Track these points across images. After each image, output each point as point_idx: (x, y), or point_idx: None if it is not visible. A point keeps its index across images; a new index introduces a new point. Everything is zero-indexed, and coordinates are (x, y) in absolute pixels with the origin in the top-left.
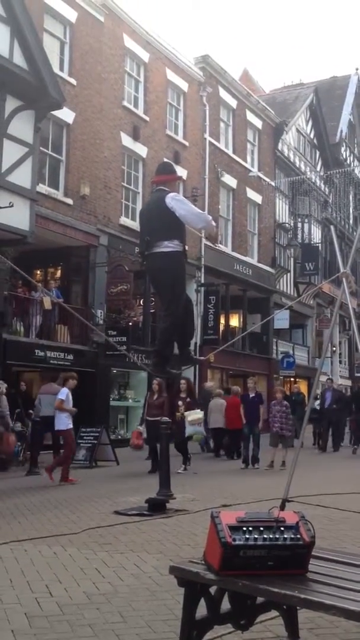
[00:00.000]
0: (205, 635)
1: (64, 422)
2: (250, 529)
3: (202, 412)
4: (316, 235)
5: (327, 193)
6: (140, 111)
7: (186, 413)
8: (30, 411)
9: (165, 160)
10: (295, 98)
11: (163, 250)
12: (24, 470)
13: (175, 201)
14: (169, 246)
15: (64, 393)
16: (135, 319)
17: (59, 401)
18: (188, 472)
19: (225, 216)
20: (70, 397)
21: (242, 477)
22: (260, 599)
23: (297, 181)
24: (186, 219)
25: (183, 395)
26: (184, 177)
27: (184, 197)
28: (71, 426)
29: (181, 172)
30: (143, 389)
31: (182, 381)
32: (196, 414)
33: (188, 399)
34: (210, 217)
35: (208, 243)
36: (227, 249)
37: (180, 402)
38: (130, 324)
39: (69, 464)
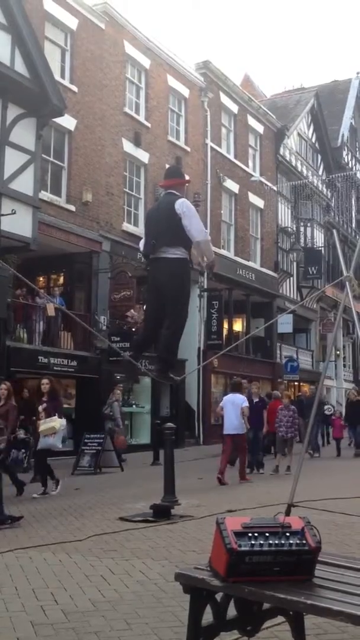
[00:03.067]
0: None
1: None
2: (256, 534)
3: (61, 421)
4: (319, 239)
5: (329, 197)
6: (141, 117)
7: (40, 422)
8: (34, 418)
9: (174, 164)
10: (296, 102)
11: (170, 257)
12: (28, 477)
13: (185, 208)
14: (176, 253)
15: None
16: (135, 322)
17: None
18: (49, 495)
19: (228, 221)
20: None
21: (247, 483)
22: (266, 605)
23: (299, 185)
24: (188, 228)
25: (45, 398)
26: None
27: (192, 206)
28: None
29: None
30: (147, 394)
31: (44, 381)
32: (49, 423)
33: (46, 404)
34: (209, 238)
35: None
36: (230, 253)
37: (40, 408)
38: (134, 329)
39: None
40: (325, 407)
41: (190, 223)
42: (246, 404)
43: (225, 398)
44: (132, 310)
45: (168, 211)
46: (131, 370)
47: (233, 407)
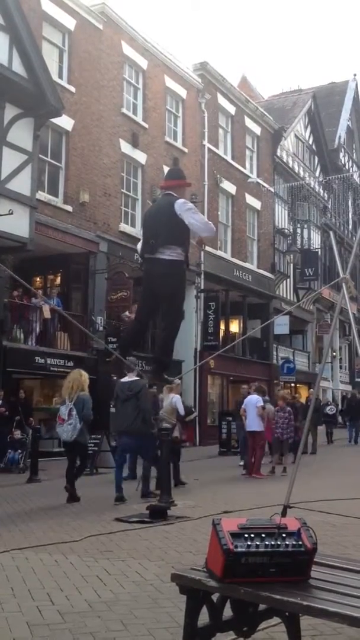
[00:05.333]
0: None
1: None
2: (252, 535)
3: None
4: (315, 240)
5: (326, 198)
6: (139, 118)
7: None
8: (31, 419)
9: (175, 166)
10: (293, 104)
11: (166, 258)
12: (25, 477)
13: (185, 209)
14: (172, 255)
15: None
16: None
17: None
18: None
19: (225, 222)
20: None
21: (243, 484)
22: (262, 606)
23: (296, 187)
24: (194, 227)
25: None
26: None
27: (192, 204)
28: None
29: None
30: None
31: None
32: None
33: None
34: (213, 227)
35: (208, 249)
36: (227, 255)
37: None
38: (127, 330)
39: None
40: (328, 407)
41: (193, 222)
42: (261, 403)
43: (245, 400)
44: (127, 312)
45: (167, 211)
46: (119, 367)
47: (251, 407)
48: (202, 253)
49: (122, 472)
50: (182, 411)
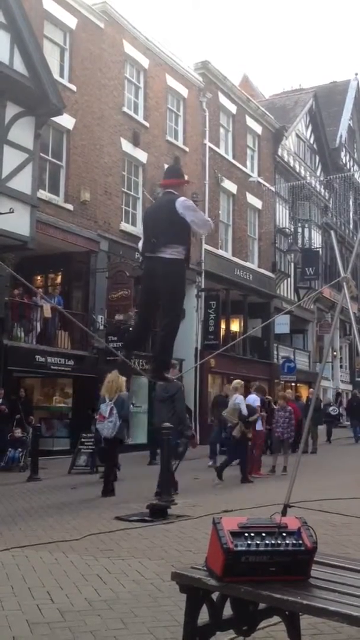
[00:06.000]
0: None
1: None
2: (252, 534)
3: None
4: (316, 240)
5: (327, 198)
6: (140, 117)
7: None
8: (31, 417)
9: (174, 163)
10: (294, 103)
11: (167, 257)
12: (25, 476)
13: (186, 207)
14: (173, 253)
15: None
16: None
17: None
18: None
19: (226, 221)
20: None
21: (243, 483)
22: (262, 605)
23: (297, 186)
24: (195, 225)
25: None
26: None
27: (193, 203)
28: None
29: None
30: (144, 394)
31: None
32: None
33: None
34: (212, 223)
35: (209, 248)
36: (228, 254)
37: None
38: (131, 329)
39: None
40: (330, 407)
41: (195, 220)
42: (257, 403)
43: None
44: (129, 313)
45: (168, 210)
46: (125, 369)
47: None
48: (203, 252)
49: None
50: (244, 411)
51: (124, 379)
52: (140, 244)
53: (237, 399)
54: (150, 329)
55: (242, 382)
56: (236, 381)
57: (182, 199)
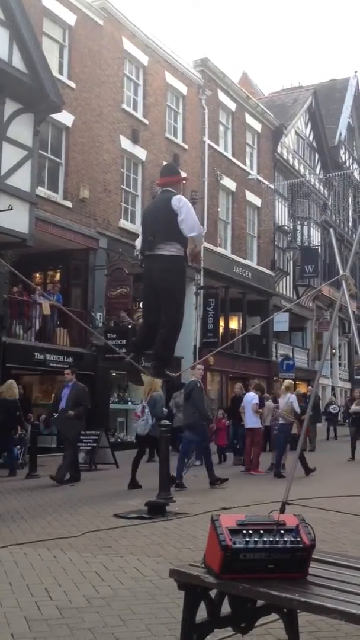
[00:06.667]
0: (206, 639)
1: None
2: (250, 532)
3: None
4: (315, 237)
5: (326, 196)
6: (139, 114)
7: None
8: (30, 415)
9: (169, 162)
10: (294, 101)
11: (165, 254)
12: (24, 473)
13: (181, 204)
14: (171, 250)
15: None
16: (131, 322)
17: None
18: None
19: (225, 219)
20: None
21: (242, 480)
22: (260, 602)
23: (297, 184)
24: (183, 223)
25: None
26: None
27: (189, 202)
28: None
29: None
30: (143, 392)
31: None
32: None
33: None
34: (203, 232)
35: (208, 246)
36: (227, 251)
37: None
38: (130, 326)
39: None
40: (332, 406)
41: (184, 219)
42: (255, 400)
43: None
44: (121, 315)
45: (165, 208)
46: (133, 372)
47: (248, 405)
48: (202, 250)
49: (185, 461)
50: (297, 410)
51: (159, 380)
52: (137, 241)
53: (291, 397)
54: (157, 327)
55: (292, 382)
56: (287, 381)
57: (177, 197)
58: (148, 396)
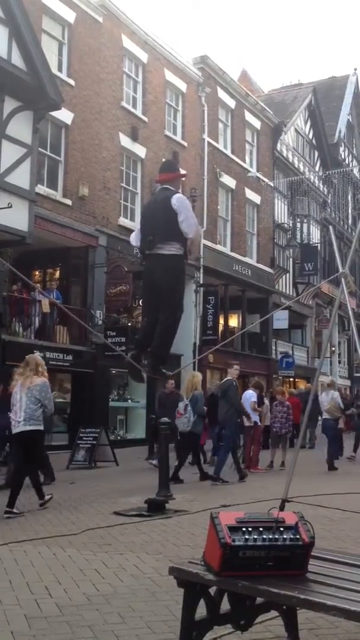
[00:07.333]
0: (205, 636)
1: None
2: (250, 529)
3: None
4: (315, 235)
5: (325, 193)
6: (138, 112)
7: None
8: None
9: (169, 158)
10: (293, 98)
11: (165, 253)
12: None
13: (181, 204)
14: (171, 249)
15: None
16: (129, 320)
17: None
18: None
19: (224, 217)
20: None
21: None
22: (259, 600)
23: (296, 181)
24: (183, 225)
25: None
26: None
27: (188, 201)
28: None
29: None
30: (142, 389)
31: None
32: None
33: None
34: (201, 232)
35: (208, 243)
36: (226, 249)
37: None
38: (129, 324)
39: None
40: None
41: (185, 220)
42: (254, 398)
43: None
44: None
45: (164, 206)
46: (135, 370)
47: (246, 403)
48: (202, 247)
49: (225, 458)
50: (342, 405)
51: (199, 378)
52: (132, 237)
53: (334, 394)
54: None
55: (333, 380)
56: (329, 378)
57: (177, 195)
58: (190, 394)
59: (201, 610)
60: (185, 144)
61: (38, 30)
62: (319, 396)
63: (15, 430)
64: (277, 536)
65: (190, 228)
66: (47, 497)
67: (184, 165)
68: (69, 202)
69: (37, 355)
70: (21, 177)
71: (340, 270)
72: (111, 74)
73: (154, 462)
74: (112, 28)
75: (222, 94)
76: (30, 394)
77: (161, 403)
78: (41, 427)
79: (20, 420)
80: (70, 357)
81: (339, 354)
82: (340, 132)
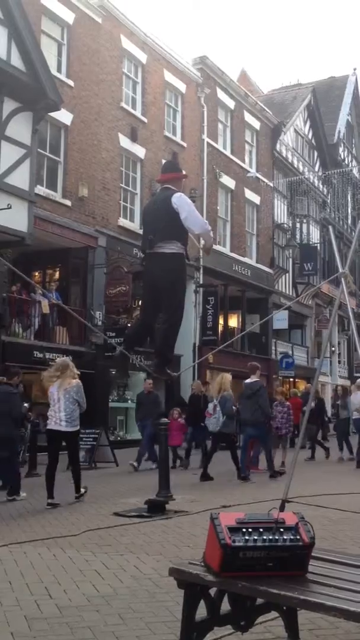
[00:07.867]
0: (206, 637)
1: None
2: (250, 530)
3: None
4: (314, 235)
5: (325, 193)
6: (138, 112)
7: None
8: (29, 413)
9: (170, 159)
10: (293, 98)
11: (166, 252)
12: (23, 472)
13: (181, 202)
14: (172, 248)
15: None
16: (129, 320)
17: None
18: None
19: (224, 217)
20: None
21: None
22: (260, 600)
23: (296, 182)
24: (187, 222)
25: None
26: None
27: (189, 199)
28: None
29: None
30: (141, 389)
31: None
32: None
33: None
34: (210, 228)
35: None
36: (226, 249)
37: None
38: (129, 325)
39: None
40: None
41: (189, 217)
42: None
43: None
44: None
45: (165, 206)
46: (123, 364)
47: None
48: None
49: (246, 454)
50: None
51: (228, 379)
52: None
53: None
54: (152, 326)
55: None
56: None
57: (177, 194)
58: (219, 395)
59: (201, 611)
60: (185, 144)
61: (37, 31)
62: (350, 396)
63: (55, 427)
64: (277, 537)
65: (196, 224)
66: (82, 491)
67: (183, 165)
68: (68, 202)
69: (68, 359)
70: (20, 178)
71: (340, 270)
72: (110, 74)
73: (154, 465)
74: (111, 29)
75: (221, 95)
76: (68, 395)
77: (140, 402)
78: (79, 428)
79: (61, 420)
80: (70, 358)
81: (339, 354)
82: (339, 132)
